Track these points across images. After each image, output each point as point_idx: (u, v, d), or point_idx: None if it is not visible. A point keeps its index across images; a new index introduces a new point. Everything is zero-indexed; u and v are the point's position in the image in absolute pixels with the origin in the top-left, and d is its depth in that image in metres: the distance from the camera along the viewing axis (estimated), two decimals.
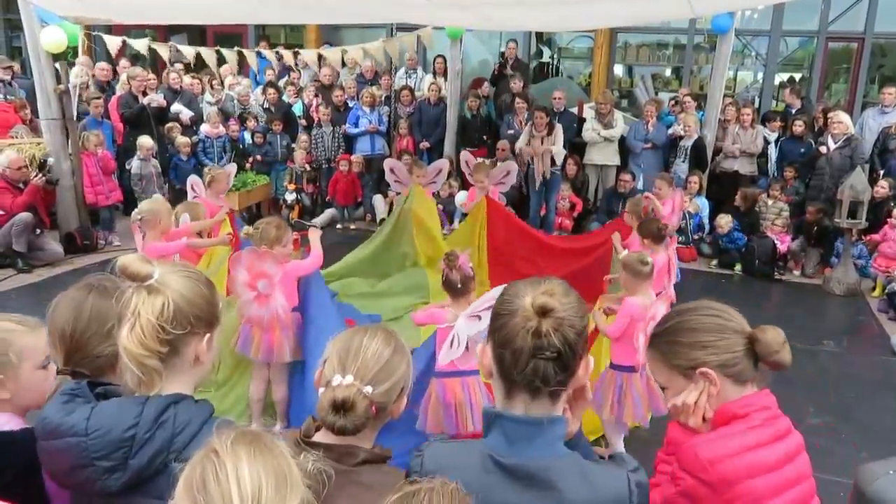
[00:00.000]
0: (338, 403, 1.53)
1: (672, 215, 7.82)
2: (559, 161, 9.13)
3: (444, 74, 10.55)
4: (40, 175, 7.94)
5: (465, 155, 8.47)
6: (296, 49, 11.08)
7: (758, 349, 1.70)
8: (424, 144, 10.28)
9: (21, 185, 7.78)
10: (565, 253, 7.00)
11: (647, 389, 3.97)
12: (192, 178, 6.57)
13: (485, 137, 10.22)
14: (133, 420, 1.46)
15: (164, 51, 10.01)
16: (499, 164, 9.00)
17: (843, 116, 8.63)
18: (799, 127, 8.97)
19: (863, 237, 8.04)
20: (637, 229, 5.45)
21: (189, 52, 10.46)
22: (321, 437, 1.62)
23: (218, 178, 6.49)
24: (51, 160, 8.18)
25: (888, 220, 7.73)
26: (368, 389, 1.56)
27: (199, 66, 11.26)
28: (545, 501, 1.38)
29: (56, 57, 7.99)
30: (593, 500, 1.39)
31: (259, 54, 11.21)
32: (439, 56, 10.84)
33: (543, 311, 1.39)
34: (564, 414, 1.50)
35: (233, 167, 7.74)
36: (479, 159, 8.79)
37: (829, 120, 8.73)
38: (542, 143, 8.89)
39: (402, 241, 7.40)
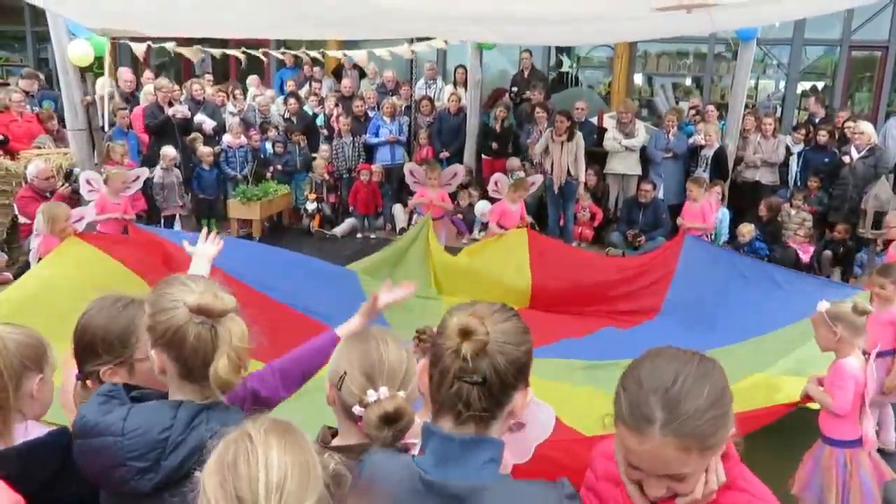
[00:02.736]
0: (391, 416, 1.55)
1: (710, 216, 7.86)
2: (582, 176, 9.11)
3: (465, 84, 10.60)
4: (66, 184, 8.07)
5: (497, 176, 8.40)
6: (322, 50, 11.15)
7: None
8: (444, 154, 10.31)
9: (48, 195, 7.90)
10: (619, 280, 6.76)
11: (874, 469, 3.31)
12: (88, 174, 6.94)
13: (506, 148, 10.24)
14: (168, 423, 1.50)
15: (189, 53, 10.10)
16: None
17: (864, 126, 8.55)
18: (823, 137, 8.90)
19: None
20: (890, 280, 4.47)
21: (215, 52, 10.56)
22: (339, 440, 1.66)
23: (113, 177, 6.87)
24: (77, 170, 8.32)
25: None
26: (402, 394, 1.60)
27: (220, 77, 11.39)
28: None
29: (83, 69, 8.13)
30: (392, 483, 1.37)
31: (283, 55, 11.30)
32: (460, 66, 10.90)
33: (465, 333, 1.34)
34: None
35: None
36: (514, 176, 8.89)
37: (850, 130, 8.65)
38: (561, 148, 8.89)
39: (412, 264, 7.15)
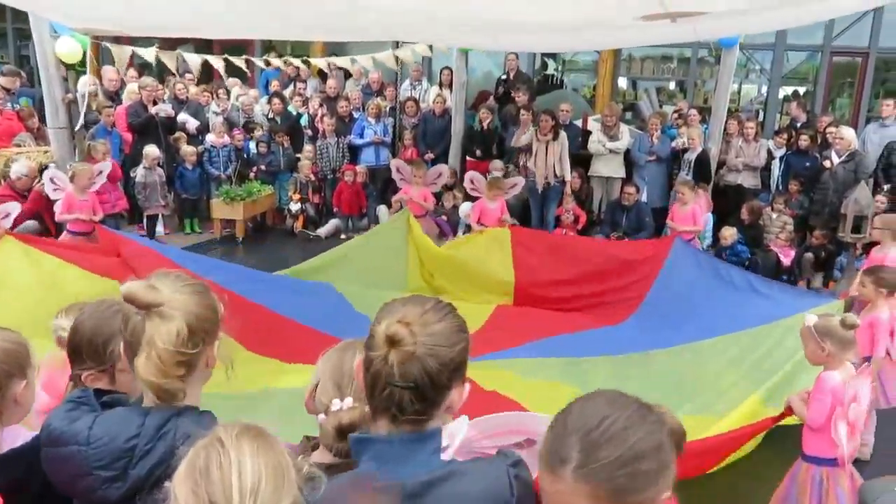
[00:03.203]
0: (344, 428, 1.53)
1: (700, 218, 7.93)
2: (567, 175, 9.15)
3: (450, 86, 10.60)
4: (41, 181, 7.97)
5: (471, 174, 8.46)
6: (305, 58, 11.13)
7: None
8: (429, 155, 10.31)
9: (25, 194, 7.82)
10: (605, 272, 6.81)
11: (852, 488, 3.19)
12: (52, 172, 6.88)
13: (490, 149, 10.26)
14: (135, 431, 1.47)
15: (170, 61, 10.07)
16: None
17: (846, 132, 8.63)
18: (805, 141, 8.98)
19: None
20: (871, 279, 4.50)
21: (196, 61, 10.51)
22: (318, 456, 1.63)
23: (79, 173, 6.84)
24: (52, 165, 8.21)
25: None
26: (367, 408, 1.56)
27: (204, 77, 11.32)
28: None
29: (65, 67, 8.06)
30: (474, 499, 1.34)
31: (267, 63, 11.27)
32: (446, 68, 10.90)
33: (392, 342, 1.31)
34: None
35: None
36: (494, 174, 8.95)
37: (831, 135, 8.74)
38: (546, 147, 8.92)
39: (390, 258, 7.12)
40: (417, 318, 1.34)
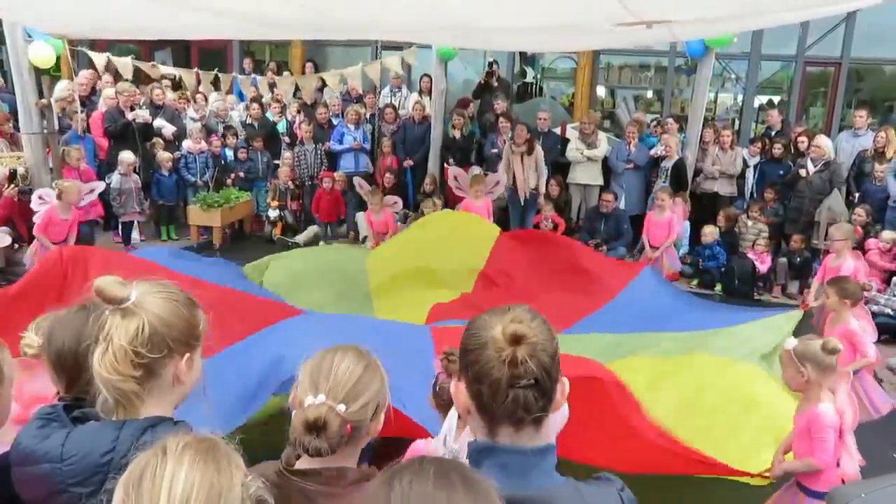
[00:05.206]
0: (310, 423, 1.52)
1: (676, 226, 8.04)
2: (542, 186, 9.23)
3: (430, 93, 10.60)
4: (11, 186, 7.84)
5: (454, 170, 8.55)
6: (287, 72, 11.08)
7: None
8: (408, 162, 10.30)
9: None
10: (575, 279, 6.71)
11: None
12: (42, 191, 6.82)
13: (469, 157, 10.29)
14: (110, 445, 1.44)
15: (148, 69, 10.03)
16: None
17: (822, 140, 8.76)
18: (778, 150, 9.10)
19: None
20: (835, 290, 4.56)
21: (170, 73, 10.51)
22: (304, 463, 1.61)
23: (67, 189, 6.76)
24: (21, 169, 8.08)
25: (869, 242, 7.84)
26: (342, 408, 1.55)
27: (179, 83, 11.25)
28: None
29: (39, 71, 7.96)
30: None
31: (241, 71, 11.24)
32: (426, 75, 10.90)
33: (516, 339, 1.35)
34: None
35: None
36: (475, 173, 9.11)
37: (803, 144, 8.87)
38: (521, 159, 8.97)
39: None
40: (525, 316, 1.39)
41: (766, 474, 3.33)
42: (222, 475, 1.13)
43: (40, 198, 6.82)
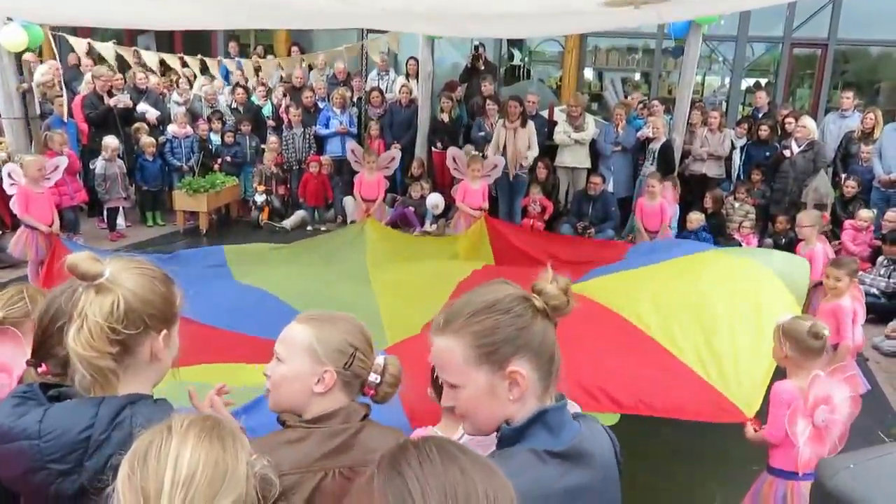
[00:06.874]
0: None
1: (668, 213, 8.05)
2: (529, 161, 9.22)
3: (417, 76, 10.53)
4: None
5: (452, 151, 8.56)
6: (257, 52, 10.96)
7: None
8: (396, 146, 10.25)
9: None
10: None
11: None
12: (9, 167, 6.73)
13: (456, 140, 10.24)
14: (88, 421, 1.42)
15: (129, 55, 9.90)
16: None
17: (807, 121, 8.78)
18: (765, 131, 9.12)
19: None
20: (845, 272, 4.56)
21: (153, 59, 10.37)
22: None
23: (28, 164, 6.70)
24: (3, 155, 7.98)
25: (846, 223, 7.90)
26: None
27: (166, 67, 11.14)
28: (593, 470, 1.42)
29: (20, 55, 7.83)
30: (604, 452, 1.48)
31: (226, 55, 11.12)
32: (412, 58, 10.82)
33: (566, 290, 1.42)
34: None
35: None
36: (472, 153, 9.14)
37: (791, 125, 8.89)
38: (514, 133, 8.96)
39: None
40: (545, 275, 1.45)
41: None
42: (227, 453, 1.13)
43: (10, 175, 6.72)
